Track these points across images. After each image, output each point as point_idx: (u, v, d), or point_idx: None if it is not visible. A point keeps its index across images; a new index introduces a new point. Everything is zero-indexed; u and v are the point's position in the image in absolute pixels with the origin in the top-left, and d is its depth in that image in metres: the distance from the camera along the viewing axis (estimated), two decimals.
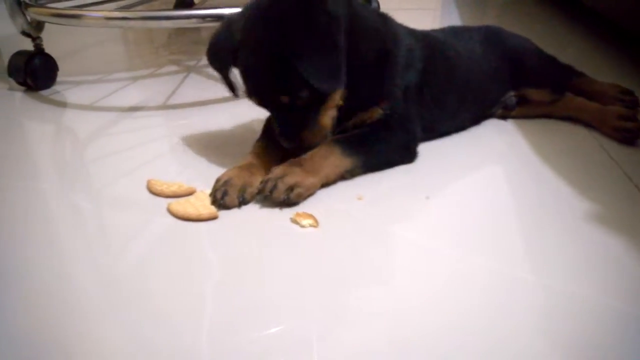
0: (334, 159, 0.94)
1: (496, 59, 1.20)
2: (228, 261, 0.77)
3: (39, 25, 1.46)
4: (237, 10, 0.98)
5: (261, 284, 0.72)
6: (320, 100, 0.91)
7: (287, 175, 0.88)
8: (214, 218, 0.86)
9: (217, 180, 0.90)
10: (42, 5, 1.43)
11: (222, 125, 1.21)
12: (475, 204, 0.91)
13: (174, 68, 1.70)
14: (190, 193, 0.92)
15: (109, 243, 0.84)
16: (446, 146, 1.11)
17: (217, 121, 1.23)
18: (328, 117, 0.94)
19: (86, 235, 0.86)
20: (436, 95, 1.09)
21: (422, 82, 1.06)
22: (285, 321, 0.65)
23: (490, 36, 1.24)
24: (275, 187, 0.87)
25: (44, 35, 1.48)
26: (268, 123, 1.04)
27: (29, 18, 1.42)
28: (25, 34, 1.45)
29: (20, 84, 1.48)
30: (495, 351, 0.61)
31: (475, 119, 1.21)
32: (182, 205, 0.87)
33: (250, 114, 1.15)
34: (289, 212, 0.87)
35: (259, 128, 1.05)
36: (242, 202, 0.89)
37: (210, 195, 0.89)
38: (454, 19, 2.35)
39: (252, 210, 0.89)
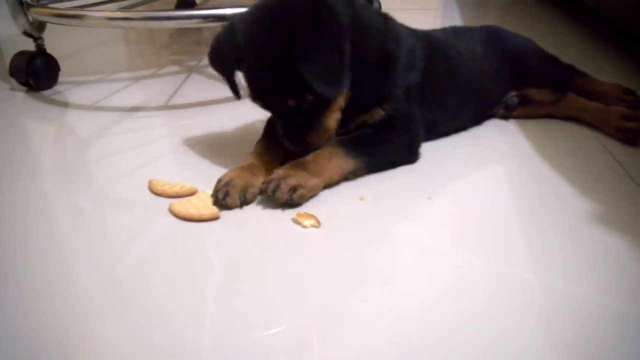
0: (337, 161, 0.94)
1: (497, 59, 1.20)
2: (229, 261, 0.77)
3: (40, 26, 1.46)
4: (239, 10, 0.98)
5: (262, 285, 0.72)
6: (325, 103, 0.91)
7: (290, 176, 0.88)
8: (215, 218, 0.86)
9: (219, 181, 0.90)
10: (43, 6, 1.43)
11: (224, 126, 1.21)
12: (477, 204, 0.91)
13: (175, 68, 1.70)
14: (192, 193, 0.92)
15: (111, 243, 0.84)
16: (448, 146, 1.11)
17: (218, 121, 1.23)
18: (333, 119, 0.94)
19: (87, 236, 0.86)
20: (437, 95, 1.09)
21: (423, 82, 1.06)
22: (287, 321, 0.65)
23: (492, 36, 1.24)
24: (278, 187, 0.87)
25: (46, 35, 1.48)
26: (269, 123, 1.04)
27: (30, 18, 1.42)
28: (27, 34, 1.45)
29: (22, 84, 1.48)
30: (496, 351, 0.61)
31: (477, 119, 1.20)
32: (183, 206, 0.87)
33: (251, 115, 1.15)
34: (290, 213, 0.86)
35: (260, 128, 1.05)
36: (244, 202, 0.89)
37: (212, 195, 0.89)
38: (455, 19, 2.35)
39: (254, 211, 0.89)
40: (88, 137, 1.23)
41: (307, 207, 0.88)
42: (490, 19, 2.39)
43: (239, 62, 0.92)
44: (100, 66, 1.74)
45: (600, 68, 1.39)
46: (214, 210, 0.86)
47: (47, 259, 0.78)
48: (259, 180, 0.91)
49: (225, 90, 1.01)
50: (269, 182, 0.88)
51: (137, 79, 1.60)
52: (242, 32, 0.91)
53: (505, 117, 1.23)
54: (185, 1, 2.24)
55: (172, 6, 2.22)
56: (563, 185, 0.94)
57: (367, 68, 0.97)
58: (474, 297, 0.69)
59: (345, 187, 0.95)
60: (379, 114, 1.00)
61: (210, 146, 1.11)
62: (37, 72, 1.46)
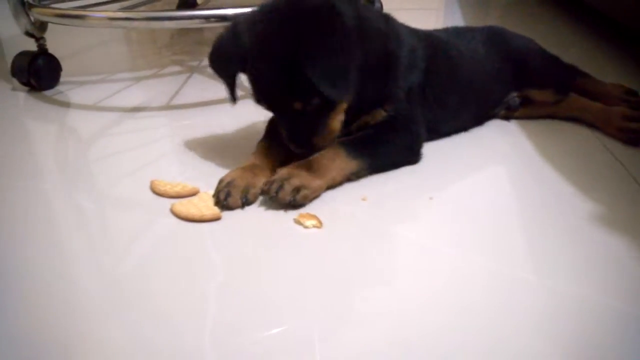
0: (340, 162, 0.93)
1: (499, 59, 1.20)
2: (231, 262, 0.77)
3: (42, 26, 1.46)
4: (241, 11, 0.97)
5: (264, 285, 0.72)
6: (331, 105, 0.91)
7: (293, 176, 0.88)
8: (217, 219, 0.86)
9: (220, 181, 0.90)
10: (45, 6, 1.44)
11: (225, 126, 1.21)
12: (478, 204, 0.91)
13: (177, 68, 1.70)
14: (193, 194, 0.92)
15: (112, 243, 0.84)
16: (450, 147, 1.11)
17: (220, 121, 1.23)
18: (337, 121, 0.94)
19: (89, 236, 0.86)
20: (439, 96, 1.09)
21: (424, 83, 1.06)
22: (288, 322, 0.65)
23: (493, 36, 1.24)
24: (281, 188, 0.86)
25: (48, 35, 1.49)
26: (271, 124, 1.04)
27: (32, 18, 1.42)
28: (28, 34, 1.45)
29: (24, 84, 1.48)
30: (496, 351, 0.60)
31: (478, 120, 1.20)
32: (185, 206, 0.87)
33: (253, 115, 1.15)
34: (292, 213, 0.86)
35: (262, 128, 1.05)
36: (245, 203, 0.89)
37: (214, 196, 0.89)
38: (456, 20, 2.35)
39: (256, 211, 0.89)
40: (89, 137, 1.23)
41: (309, 208, 0.88)
42: (492, 19, 2.39)
43: (243, 63, 0.91)
44: (101, 66, 1.74)
45: (602, 68, 1.39)
46: (216, 210, 0.86)
47: (47, 259, 0.78)
48: (260, 181, 0.91)
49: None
50: (272, 182, 0.88)
51: (138, 79, 1.60)
52: (246, 33, 0.90)
53: (506, 118, 1.23)
54: (186, 1, 2.24)
55: (174, 6, 2.22)
56: (564, 185, 0.94)
57: (369, 69, 0.97)
58: (475, 297, 0.69)
59: (347, 187, 0.95)
60: (381, 114, 1.00)
61: (211, 146, 1.12)
62: (39, 72, 1.46)
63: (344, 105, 0.93)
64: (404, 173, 1.00)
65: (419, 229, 0.84)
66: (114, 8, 1.73)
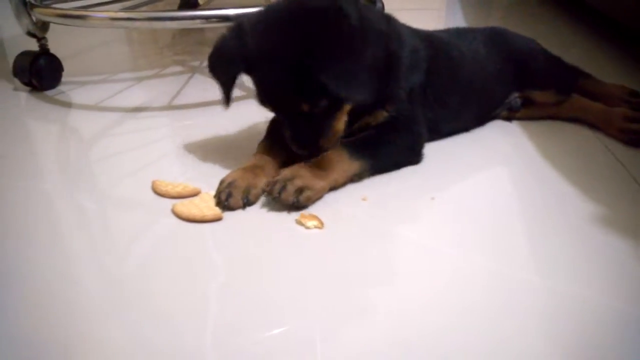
0: (342, 163, 0.93)
1: (501, 60, 1.20)
2: (232, 262, 0.77)
3: (44, 26, 1.46)
4: (242, 11, 0.97)
5: (265, 285, 0.72)
6: (336, 106, 0.91)
7: (296, 177, 0.88)
8: (218, 219, 0.86)
9: (222, 182, 0.90)
10: (47, 6, 1.43)
11: (227, 126, 1.21)
12: (479, 205, 0.91)
13: (178, 68, 1.70)
14: (195, 194, 0.92)
15: (113, 243, 0.84)
16: (451, 147, 1.11)
17: (221, 122, 1.23)
18: (342, 122, 0.94)
19: (90, 236, 0.86)
20: (440, 96, 1.09)
21: (426, 83, 1.06)
22: (289, 322, 0.65)
23: (495, 37, 1.24)
24: (284, 188, 0.86)
25: (49, 35, 1.49)
26: (272, 124, 1.04)
27: (34, 18, 1.42)
28: (30, 34, 1.45)
29: (26, 84, 1.49)
30: (497, 351, 0.60)
31: (480, 120, 1.20)
32: (186, 207, 0.87)
33: (254, 115, 1.15)
34: (293, 214, 0.86)
35: (263, 129, 1.05)
36: (247, 203, 0.89)
37: (215, 196, 0.89)
38: (458, 20, 2.34)
39: (257, 212, 0.89)
40: (91, 137, 1.23)
41: (311, 208, 0.88)
42: (494, 20, 2.39)
43: (246, 64, 0.91)
44: (103, 66, 1.74)
45: (603, 69, 1.38)
46: (217, 211, 0.86)
47: (48, 259, 0.78)
48: (261, 181, 0.91)
49: None
50: (274, 183, 0.88)
51: (140, 79, 1.60)
52: (250, 33, 0.90)
53: (508, 119, 1.23)
54: (188, 2, 2.24)
55: (176, 7, 2.22)
56: (565, 186, 0.94)
57: (370, 69, 0.96)
58: (476, 298, 0.69)
59: (348, 188, 0.95)
60: (382, 115, 1.00)
61: (213, 147, 1.12)
62: (41, 72, 1.46)
63: (348, 107, 0.93)
64: (406, 173, 1.00)
65: (421, 229, 0.84)
66: (116, 8, 1.73)
